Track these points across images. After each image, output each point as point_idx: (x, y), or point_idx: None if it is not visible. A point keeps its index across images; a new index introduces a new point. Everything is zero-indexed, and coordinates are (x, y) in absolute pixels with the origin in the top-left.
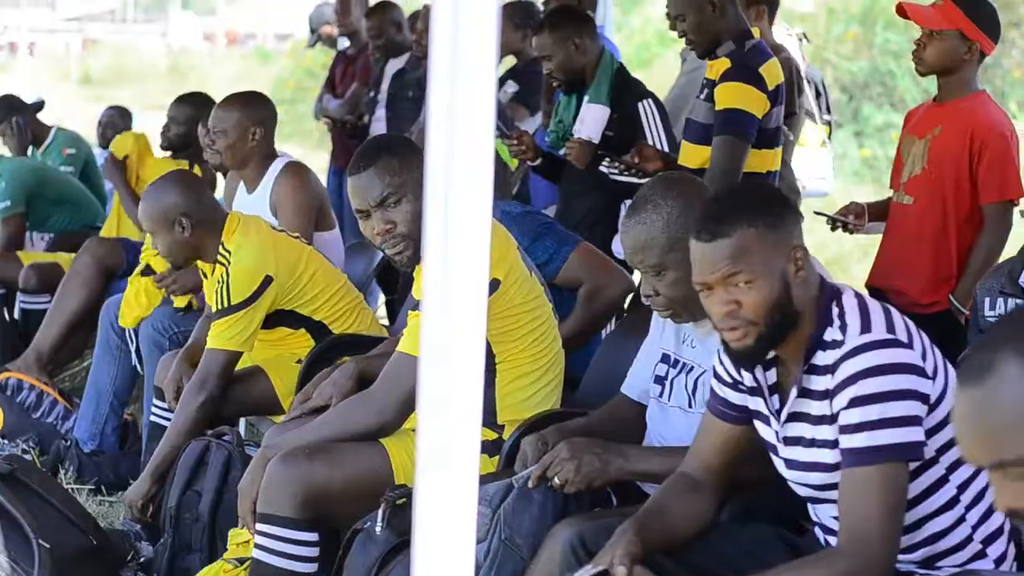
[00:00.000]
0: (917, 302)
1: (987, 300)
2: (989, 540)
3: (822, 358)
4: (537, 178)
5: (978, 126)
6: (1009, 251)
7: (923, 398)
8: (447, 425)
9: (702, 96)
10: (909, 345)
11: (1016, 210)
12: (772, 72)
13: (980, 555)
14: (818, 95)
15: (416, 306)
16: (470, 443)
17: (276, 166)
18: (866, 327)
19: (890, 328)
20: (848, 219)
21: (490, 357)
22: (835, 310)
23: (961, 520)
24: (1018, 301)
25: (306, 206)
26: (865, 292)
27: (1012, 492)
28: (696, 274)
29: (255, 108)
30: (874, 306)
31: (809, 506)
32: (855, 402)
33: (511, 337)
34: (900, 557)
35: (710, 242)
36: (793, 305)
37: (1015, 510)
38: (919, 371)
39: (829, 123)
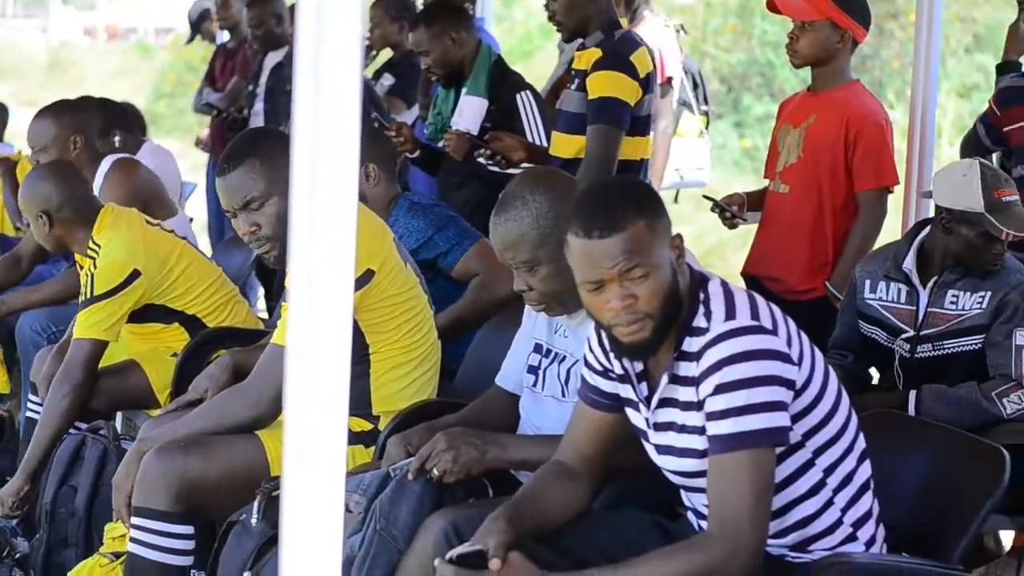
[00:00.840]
0: (793, 289)
1: (868, 283)
2: (859, 523)
3: (689, 344)
4: (416, 170)
5: (853, 115)
6: (884, 238)
7: (788, 384)
8: (313, 421)
9: (572, 86)
10: (774, 331)
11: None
12: (642, 60)
13: (851, 538)
14: (695, 86)
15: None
16: (336, 439)
17: (104, 166)
18: (731, 314)
19: (755, 315)
20: (732, 209)
21: (364, 348)
22: (701, 297)
23: (830, 504)
24: (901, 286)
25: (125, 200)
26: (742, 281)
27: None
28: (587, 272)
29: (70, 116)
30: (739, 293)
31: (682, 492)
32: (720, 389)
33: (385, 328)
34: (772, 542)
35: (604, 238)
36: (680, 294)
37: None
38: (784, 357)
39: (707, 113)
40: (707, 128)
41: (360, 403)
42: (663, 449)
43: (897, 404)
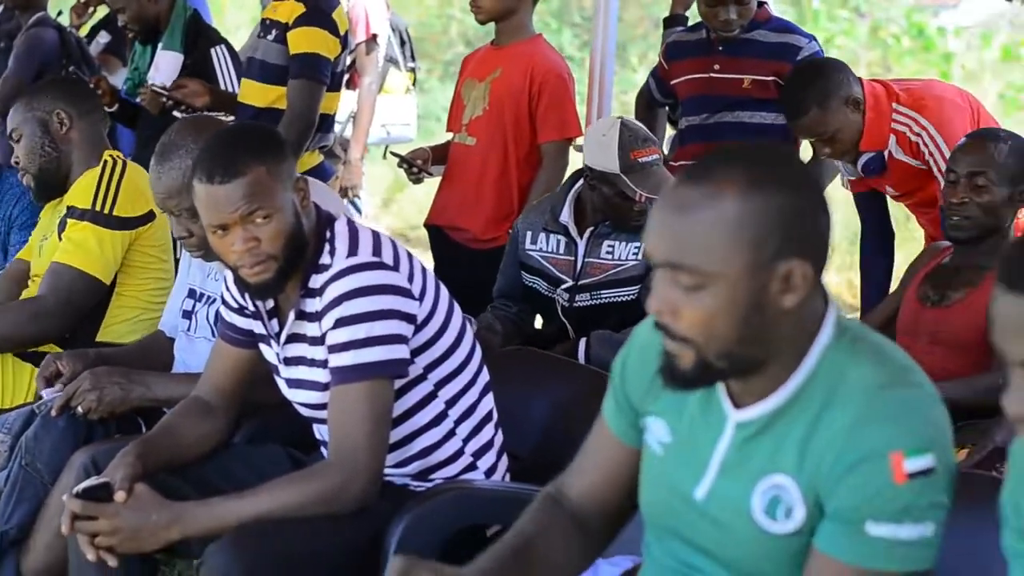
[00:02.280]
0: (478, 238)
1: (529, 234)
2: (479, 453)
3: (314, 281)
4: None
5: (537, 68)
6: None
7: (408, 318)
8: None
9: (269, 36)
10: (395, 267)
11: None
12: (341, 17)
13: (471, 467)
14: (402, 43)
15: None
16: None
17: None
18: (353, 251)
19: (376, 251)
20: (417, 163)
21: (112, 286)
22: (327, 235)
23: (451, 434)
24: (560, 237)
25: None
26: (425, 232)
27: (673, 299)
28: (212, 216)
29: None
30: (364, 231)
31: (313, 425)
32: (341, 322)
33: (138, 275)
34: (395, 471)
35: (225, 183)
36: (304, 234)
37: (665, 321)
38: (404, 292)
39: (413, 70)
40: (414, 84)
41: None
42: (293, 383)
43: (567, 351)
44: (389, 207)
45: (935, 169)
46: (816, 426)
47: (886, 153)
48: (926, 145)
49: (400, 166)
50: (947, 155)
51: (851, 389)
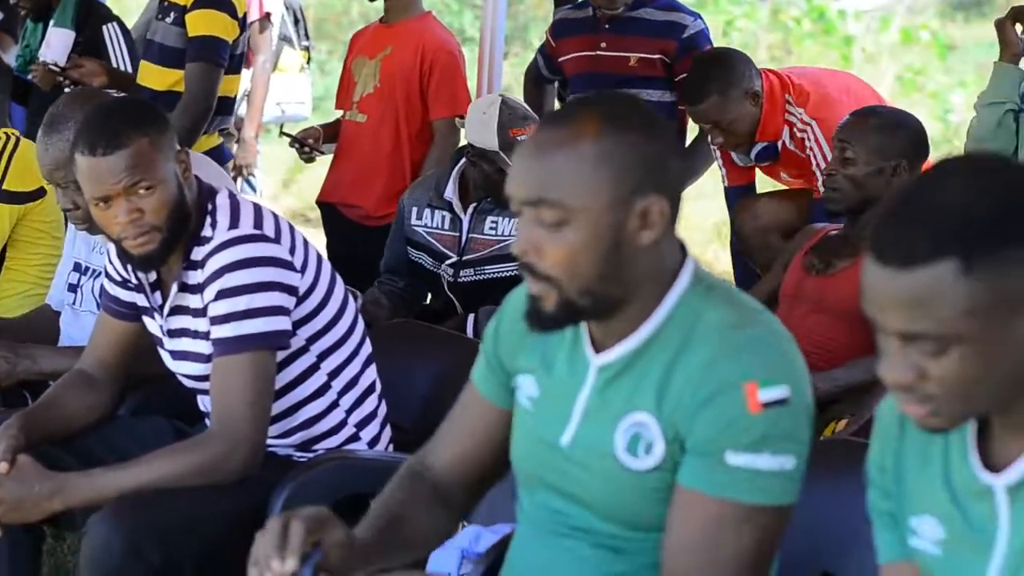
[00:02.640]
0: (371, 215)
1: (414, 210)
2: (363, 424)
3: (196, 253)
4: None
5: (427, 45)
6: None
7: (290, 290)
8: None
9: (168, 19)
10: (276, 240)
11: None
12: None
13: (354, 438)
14: (296, 21)
15: None
16: None
17: None
18: (234, 223)
19: (258, 224)
20: (308, 142)
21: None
22: (209, 207)
23: (335, 405)
24: (444, 213)
25: None
26: (318, 209)
27: (535, 237)
28: (94, 189)
29: None
30: (246, 204)
31: (197, 397)
32: (222, 294)
33: (28, 251)
34: (279, 442)
35: (108, 155)
36: (187, 206)
37: (529, 260)
38: (285, 264)
39: (307, 48)
40: (308, 63)
41: None
42: (177, 355)
43: (457, 326)
44: (289, 187)
45: (814, 163)
46: (674, 366)
47: (780, 143)
48: (808, 139)
49: (292, 146)
50: (827, 151)
51: (707, 329)
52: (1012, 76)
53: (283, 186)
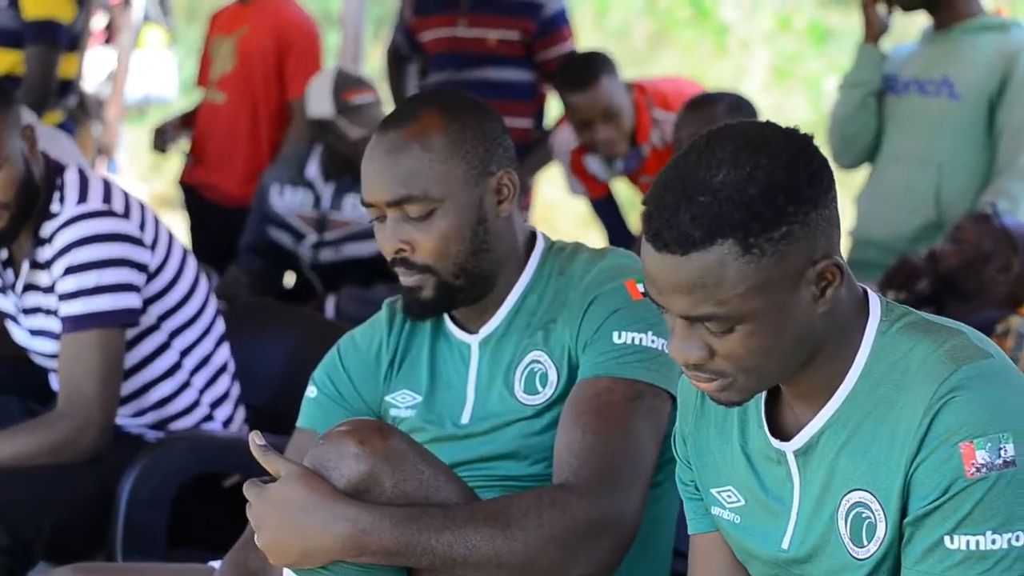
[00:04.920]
0: (231, 196)
1: (275, 188)
2: (216, 404)
3: (45, 229)
4: None
5: (283, 24)
6: None
7: (139, 266)
8: None
9: (2, 2)
10: (125, 216)
11: None
12: None
13: (208, 418)
14: (160, 1)
15: None
16: None
17: None
18: (83, 198)
19: (107, 199)
20: (169, 131)
21: None
22: (58, 183)
23: (187, 385)
24: (305, 191)
25: None
26: (181, 191)
27: (407, 234)
28: None
29: None
30: (95, 179)
31: (50, 375)
32: (70, 270)
33: None
34: (131, 421)
35: None
36: (35, 182)
37: (402, 256)
38: (135, 240)
39: (170, 28)
40: (173, 42)
41: None
42: (35, 333)
43: (318, 307)
44: (159, 170)
45: None
46: (552, 305)
47: (648, 147)
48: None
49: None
50: None
51: (574, 272)
52: (874, 57)
53: (151, 169)
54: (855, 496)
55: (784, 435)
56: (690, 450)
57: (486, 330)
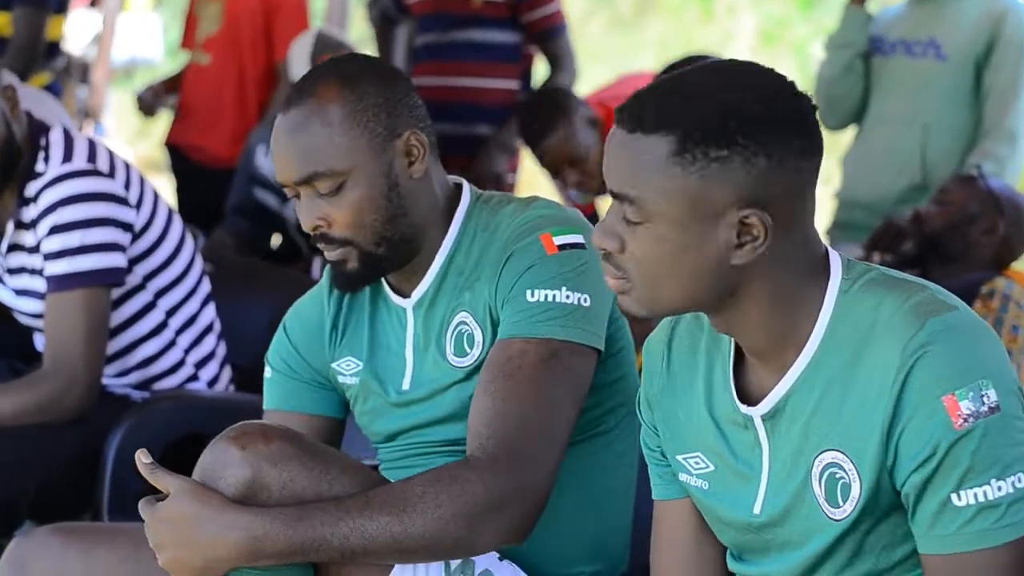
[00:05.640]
0: (217, 157)
1: (262, 147)
2: (201, 364)
3: (30, 189)
4: None
5: None
6: None
7: (125, 226)
8: None
9: None
10: (110, 175)
11: None
12: None
13: (193, 378)
14: None
15: None
16: None
17: None
18: (67, 158)
19: (91, 159)
20: (151, 96)
21: None
22: (42, 143)
23: (172, 344)
24: None
25: None
26: (166, 152)
27: (321, 210)
28: None
29: None
30: (80, 139)
31: (34, 335)
32: (55, 230)
33: None
34: (116, 381)
35: None
36: (17, 143)
37: (322, 231)
38: (120, 200)
39: None
40: (158, 4)
41: None
42: (18, 293)
43: (304, 268)
44: (146, 133)
45: None
46: (479, 263)
47: None
48: None
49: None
50: None
51: (499, 226)
52: (860, 18)
53: (137, 132)
54: (828, 456)
55: (751, 400)
56: (656, 416)
57: (417, 293)
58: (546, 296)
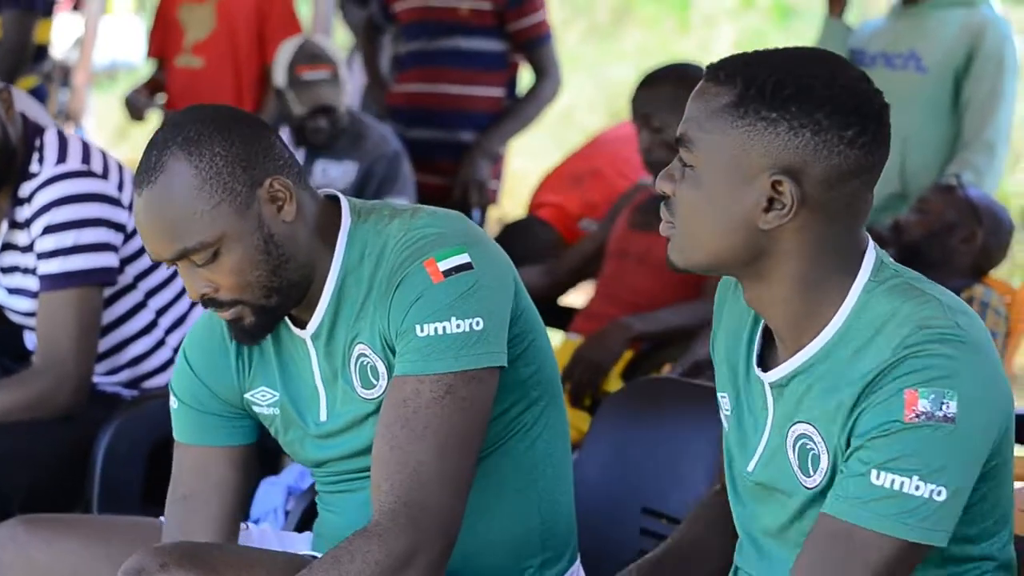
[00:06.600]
0: None
1: None
2: None
3: (24, 189)
4: None
5: None
6: None
7: (117, 227)
8: None
9: None
10: (104, 176)
11: None
12: None
13: None
14: None
15: None
16: None
17: None
18: (62, 159)
19: (85, 160)
20: (141, 99)
21: None
22: (37, 144)
23: (161, 344)
24: None
25: None
26: None
27: (203, 278)
28: None
29: None
30: (75, 140)
31: (24, 333)
32: (49, 230)
33: None
34: (105, 379)
35: None
36: (11, 144)
37: (209, 296)
38: (113, 200)
39: None
40: (140, 8)
41: None
42: (11, 291)
43: None
44: (126, 137)
45: None
46: (367, 293)
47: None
48: None
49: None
50: None
51: (385, 246)
52: (840, 30)
53: (118, 135)
54: (800, 428)
55: (767, 366)
56: (713, 347)
57: (312, 324)
58: (435, 330)
